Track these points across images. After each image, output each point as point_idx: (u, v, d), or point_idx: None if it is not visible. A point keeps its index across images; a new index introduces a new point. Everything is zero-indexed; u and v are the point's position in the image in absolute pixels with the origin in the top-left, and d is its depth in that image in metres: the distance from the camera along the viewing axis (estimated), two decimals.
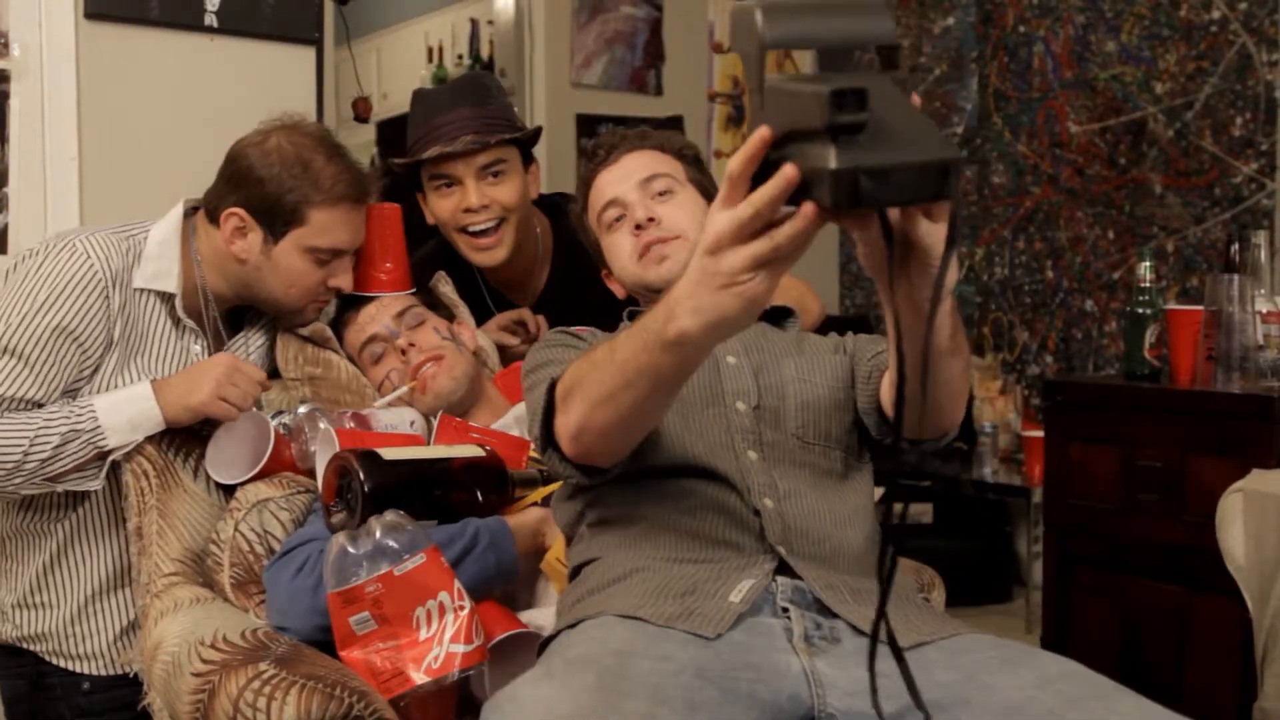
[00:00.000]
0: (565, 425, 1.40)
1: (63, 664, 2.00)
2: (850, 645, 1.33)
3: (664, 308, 1.18)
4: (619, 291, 1.90)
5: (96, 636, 2.00)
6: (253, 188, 1.93)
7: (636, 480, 1.53)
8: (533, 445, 1.54)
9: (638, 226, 1.78)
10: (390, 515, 1.58)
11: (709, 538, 1.48)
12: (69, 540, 1.99)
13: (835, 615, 1.37)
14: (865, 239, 1.12)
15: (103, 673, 2.00)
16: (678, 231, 1.77)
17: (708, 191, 1.87)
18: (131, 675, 1.99)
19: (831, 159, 0.95)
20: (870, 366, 1.61)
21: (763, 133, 1.03)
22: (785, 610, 1.37)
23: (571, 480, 1.49)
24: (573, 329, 1.78)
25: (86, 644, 2.00)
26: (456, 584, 1.57)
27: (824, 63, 1.02)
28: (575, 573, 1.57)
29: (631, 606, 1.38)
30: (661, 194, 1.81)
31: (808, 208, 1.01)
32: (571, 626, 1.40)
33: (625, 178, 1.82)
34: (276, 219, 1.93)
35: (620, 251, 1.81)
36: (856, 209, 0.99)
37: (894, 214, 1.10)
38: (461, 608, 1.56)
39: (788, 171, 1.00)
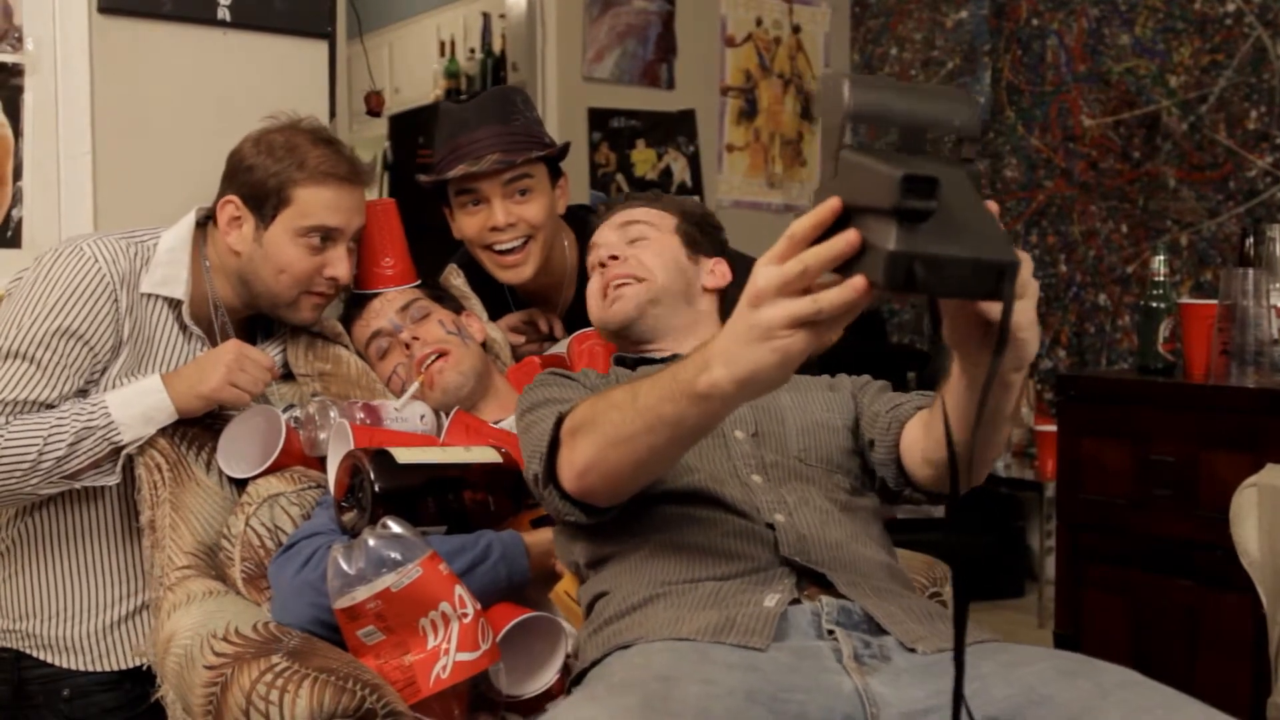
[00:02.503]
0: (571, 461, 1.39)
1: (44, 657, 1.99)
2: (902, 663, 1.29)
3: (698, 359, 1.18)
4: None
5: (82, 626, 2.00)
6: (243, 175, 1.97)
7: (639, 512, 1.51)
8: (533, 483, 1.51)
9: (601, 265, 1.86)
10: (385, 524, 1.56)
11: (722, 555, 1.45)
12: (62, 537, 1.99)
13: (884, 632, 1.33)
14: (948, 313, 1.13)
15: (85, 668, 2.00)
16: (639, 272, 1.82)
17: (697, 243, 1.91)
18: (112, 677, 2.01)
19: (891, 240, 0.96)
20: (890, 419, 1.61)
21: (833, 203, 1.03)
22: (831, 632, 1.33)
23: (569, 518, 1.47)
24: (565, 371, 1.76)
25: (70, 636, 1.99)
26: (458, 590, 1.56)
27: (902, 141, 1.04)
28: (589, 610, 1.54)
29: (668, 627, 1.35)
30: (635, 240, 1.87)
31: (858, 280, 1.01)
32: (604, 657, 1.37)
33: (611, 226, 1.91)
34: (265, 203, 1.95)
35: (590, 291, 1.88)
36: (906, 293, 0.99)
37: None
38: (465, 615, 1.54)
39: (850, 236, 1.01)
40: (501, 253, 2.21)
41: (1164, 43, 4.05)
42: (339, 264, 1.99)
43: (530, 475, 1.50)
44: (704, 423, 1.24)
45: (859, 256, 1.01)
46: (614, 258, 1.85)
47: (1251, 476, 2.22)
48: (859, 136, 1.06)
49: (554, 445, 1.43)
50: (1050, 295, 4.45)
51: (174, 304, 1.98)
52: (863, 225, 1.01)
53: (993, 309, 1.09)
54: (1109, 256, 4.25)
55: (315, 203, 1.95)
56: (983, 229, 1.01)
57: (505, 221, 2.18)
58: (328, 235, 1.97)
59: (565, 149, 2.30)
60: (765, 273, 1.08)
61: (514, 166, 2.17)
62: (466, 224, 2.23)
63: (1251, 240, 2.76)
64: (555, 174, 2.28)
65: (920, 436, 1.53)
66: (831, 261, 1.03)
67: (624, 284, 1.82)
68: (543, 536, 1.75)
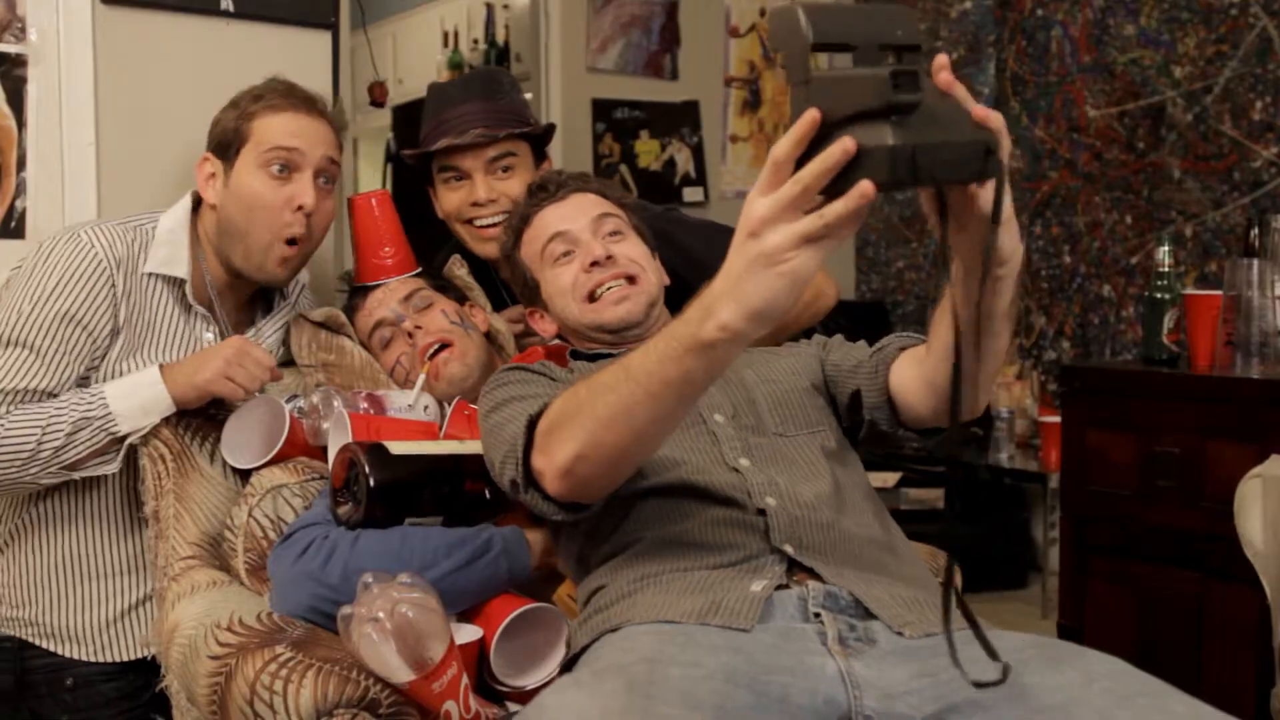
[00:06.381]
0: (551, 462, 1.37)
1: (48, 646, 1.99)
2: (887, 646, 1.30)
3: (695, 311, 1.17)
4: (547, 331, 1.90)
5: (87, 616, 2.00)
6: (212, 129, 2.02)
7: (632, 509, 1.52)
8: (509, 488, 1.49)
9: (594, 263, 1.79)
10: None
11: (714, 545, 1.45)
12: (67, 524, 1.99)
13: (871, 617, 1.34)
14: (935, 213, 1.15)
15: (89, 659, 2.00)
16: (633, 270, 1.78)
17: (649, 241, 1.89)
18: (116, 668, 2.01)
19: (889, 136, 1.01)
20: (876, 362, 1.63)
21: (812, 114, 1.05)
22: (817, 615, 1.33)
23: (556, 518, 1.46)
24: (526, 364, 1.73)
25: (74, 626, 1.99)
26: (445, 707, 1.50)
27: (858, 61, 1.07)
28: (584, 605, 1.55)
29: (654, 611, 1.35)
30: (613, 234, 1.83)
31: (865, 185, 1.03)
32: (592, 643, 1.37)
33: (577, 214, 1.84)
34: (229, 146, 1.98)
35: (563, 288, 1.80)
36: (913, 184, 1.04)
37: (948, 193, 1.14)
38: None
39: (846, 143, 1.03)
40: (481, 226, 2.23)
41: (1169, 33, 4.03)
42: (305, 193, 1.96)
43: (506, 481, 1.48)
44: (709, 375, 1.22)
45: (853, 166, 1.04)
46: (610, 258, 1.78)
47: (1256, 467, 2.22)
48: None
49: (528, 448, 1.42)
50: (1055, 286, 4.44)
51: (176, 283, 1.98)
52: (850, 134, 1.04)
53: (984, 191, 1.14)
54: (1113, 248, 4.25)
55: (269, 128, 1.97)
56: (958, 116, 1.07)
57: (487, 197, 2.20)
58: (288, 163, 1.96)
59: (550, 130, 2.33)
60: (759, 204, 1.10)
61: (497, 142, 2.19)
62: (448, 199, 2.25)
63: (1256, 231, 2.75)
64: (540, 156, 2.31)
65: (913, 366, 1.55)
66: (828, 173, 1.04)
67: (624, 286, 1.78)
68: (545, 532, 1.75)
